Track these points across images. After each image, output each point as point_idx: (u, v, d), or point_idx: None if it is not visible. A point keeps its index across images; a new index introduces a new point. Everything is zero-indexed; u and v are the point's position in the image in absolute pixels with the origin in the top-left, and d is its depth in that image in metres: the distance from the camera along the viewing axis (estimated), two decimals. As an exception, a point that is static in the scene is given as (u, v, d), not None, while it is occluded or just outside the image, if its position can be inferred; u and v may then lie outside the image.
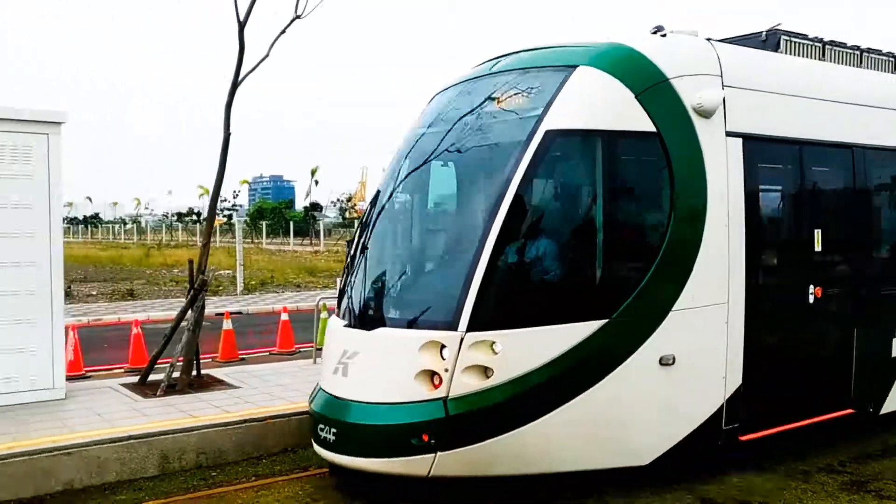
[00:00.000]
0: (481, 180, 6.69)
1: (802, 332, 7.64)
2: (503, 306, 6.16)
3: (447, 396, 5.95)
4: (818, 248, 7.69)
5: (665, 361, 6.47)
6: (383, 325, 6.43)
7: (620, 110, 6.53)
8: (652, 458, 6.60)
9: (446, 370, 5.94)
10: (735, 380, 6.95)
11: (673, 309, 6.52)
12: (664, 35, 7.04)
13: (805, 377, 7.62)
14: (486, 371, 5.98)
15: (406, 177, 7.27)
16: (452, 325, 5.98)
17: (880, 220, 8.48)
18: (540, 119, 6.33)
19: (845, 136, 7.94)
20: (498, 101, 6.87)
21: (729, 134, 6.98)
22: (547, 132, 6.26)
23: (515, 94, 6.80)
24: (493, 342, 5.99)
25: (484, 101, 6.97)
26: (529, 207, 6.30)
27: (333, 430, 6.28)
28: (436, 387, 5.99)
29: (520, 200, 6.16)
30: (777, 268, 7.73)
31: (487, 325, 6.02)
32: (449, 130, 6.96)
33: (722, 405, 6.88)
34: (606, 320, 6.25)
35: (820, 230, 7.72)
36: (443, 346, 5.98)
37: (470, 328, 5.95)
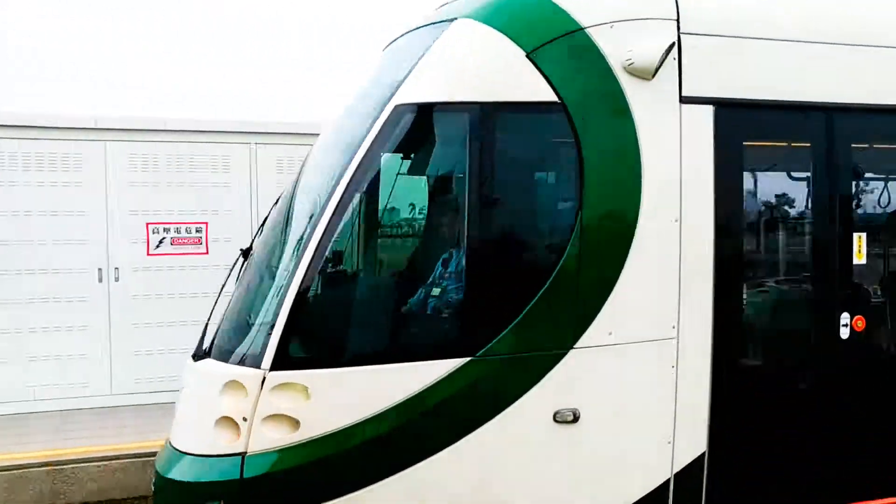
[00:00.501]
0: (317, 179, 5.19)
1: (825, 380, 5.29)
2: (321, 339, 4.70)
3: (245, 452, 4.62)
4: (858, 259, 5.35)
5: (562, 418, 4.65)
6: (209, 355, 5.19)
7: (503, 75, 4.74)
8: None
9: (244, 419, 4.62)
10: (693, 446, 4.91)
11: (576, 346, 4.68)
12: None
13: (829, 446, 5.26)
14: (295, 422, 4.59)
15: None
16: (257, 362, 4.64)
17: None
18: (393, 93, 4.80)
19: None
20: (372, 73, 5.42)
21: (687, 100, 4.91)
22: (395, 108, 4.68)
23: (389, 62, 5.31)
24: (306, 386, 4.57)
25: (367, 77, 5.53)
26: (364, 209, 4.75)
27: (153, 482, 5.18)
28: (238, 438, 4.69)
29: (350, 201, 4.65)
30: (781, 287, 5.41)
31: (299, 364, 4.59)
32: (333, 122, 5.59)
33: (667, 482, 4.87)
34: (468, 359, 4.56)
35: (863, 233, 5.35)
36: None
37: (274, 366, 4.53)
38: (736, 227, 5.08)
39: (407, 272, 4.97)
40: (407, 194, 4.91)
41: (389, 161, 4.73)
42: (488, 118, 4.68)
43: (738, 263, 5.13)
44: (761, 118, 5.19)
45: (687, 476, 4.87)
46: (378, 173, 4.67)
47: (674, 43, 4.85)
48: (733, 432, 4.99)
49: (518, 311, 4.62)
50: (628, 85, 4.78)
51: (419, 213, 5.04)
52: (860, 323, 5.21)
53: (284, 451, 4.53)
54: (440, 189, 5.00)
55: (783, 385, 5.23)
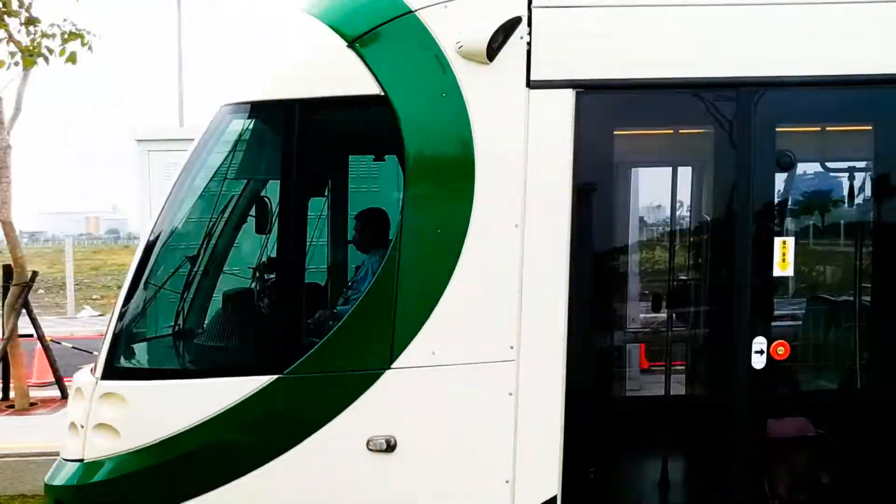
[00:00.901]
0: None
1: (729, 416, 4.26)
2: (140, 351, 4.63)
3: (83, 459, 4.66)
4: (781, 269, 4.25)
5: (376, 446, 4.18)
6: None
7: (323, 68, 4.38)
8: None
9: (82, 426, 4.66)
10: (540, 487, 4.19)
11: (393, 366, 4.19)
12: None
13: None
14: (116, 432, 4.55)
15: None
16: (98, 371, 4.66)
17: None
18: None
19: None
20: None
21: (538, 84, 4.20)
22: (220, 108, 4.49)
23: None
24: (124, 396, 4.52)
25: None
26: (185, 218, 4.57)
27: None
28: (80, 445, 4.73)
29: (173, 209, 4.53)
30: (655, 300, 4.48)
31: (122, 374, 4.56)
32: None
33: None
34: (276, 377, 4.26)
35: (790, 240, 4.23)
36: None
37: (104, 375, 4.56)
38: (600, 233, 4.28)
39: (224, 281, 4.75)
40: (225, 203, 4.67)
41: (213, 165, 4.53)
42: (305, 116, 4.32)
43: (603, 275, 4.32)
44: (642, 101, 4.31)
45: None
46: (199, 178, 4.49)
47: (518, 18, 4.19)
48: (595, 473, 4.22)
49: (329, 327, 4.25)
50: (463, 72, 4.19)
51: (238, 223, 4.77)
52: (781, 349, 4.17)
53: (110, 460, 4.50)
54: (253, 198, 4.70)
55: (659, 422, 4.34)
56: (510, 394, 4.15)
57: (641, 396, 4.58)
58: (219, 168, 4.49)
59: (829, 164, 4.46)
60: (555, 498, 4.18)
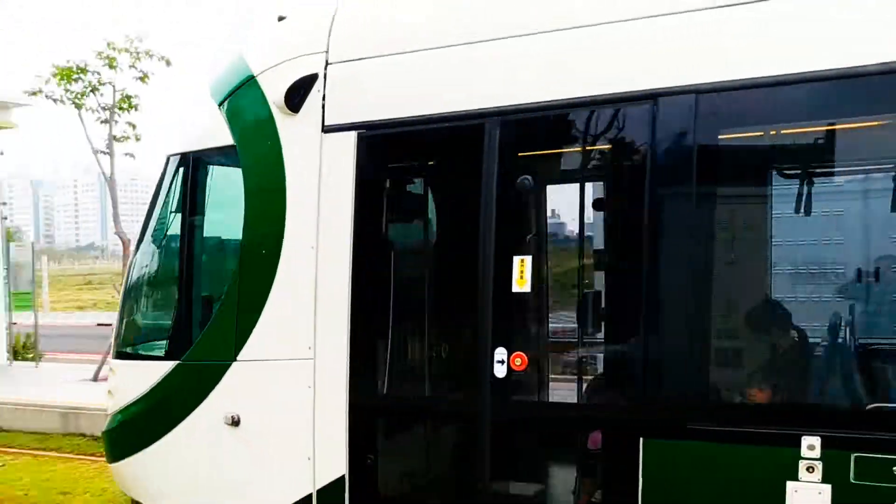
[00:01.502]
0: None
1: (483, 420, 4.57)
2: (120, 335, 6.32)
3: (108, 414, 6.55)
4: (519, 286, 4.45)
5: (230, 421, 5.35)
6: None
7: (205, 126, 5.65)
8: None
9: (110, 391, 6.56)
10: (332, 467, 4.99)
11: (238, 359, 5.31)
12: (282, 19, 5.50)
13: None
14: (112, 395, 6.34)
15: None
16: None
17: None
18: None
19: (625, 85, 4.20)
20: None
21: (329, 129, 5.00)
22: (166, 157, 6.04)
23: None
24: (113, 369, 6.32)
25: None
26: (144, 239, 6.17)
27: None
28: (112, 403, 6.67)
29: (142, 232, 6.20)
30: (413, 314, 5.02)
31: (116, 354, 6.36)
32: None
33: (310, 496, 5.08)
34: (177, 362, 5.68)
35: (528, 258, 4.44)
36: None
37: (115, 355, 6.43)
38: (376, 253, 4.93)
39: (153, 288, 6.24)
40: (164, 232, 6.17)
41: (159, 202, 6.10)
42: (195, 163, 5.69)
43: (379, 289, 4.95)
44: (410, 138, 4.87)
45: (329, 493, 5.03)
46: (154, 209, 6.10)
47: (315, 75, 5.07)
48: (373, 459, 4.93)
49: (204, 325, 5.57)
50: (281, 122, 5.18)
51: (162, 238, 6.21)
52: (519, 360, 4.47)
53: (112, 416, 6.35)
54: (169, 225, 6.08)
55: (426, 418, 4.83)
56: (309, 386, 5.04)
57: (406, 396, 5.10)
58: (163, 203, 6.04)
59: (565, 186, 4.53)
60: (343, 477, 4.98)
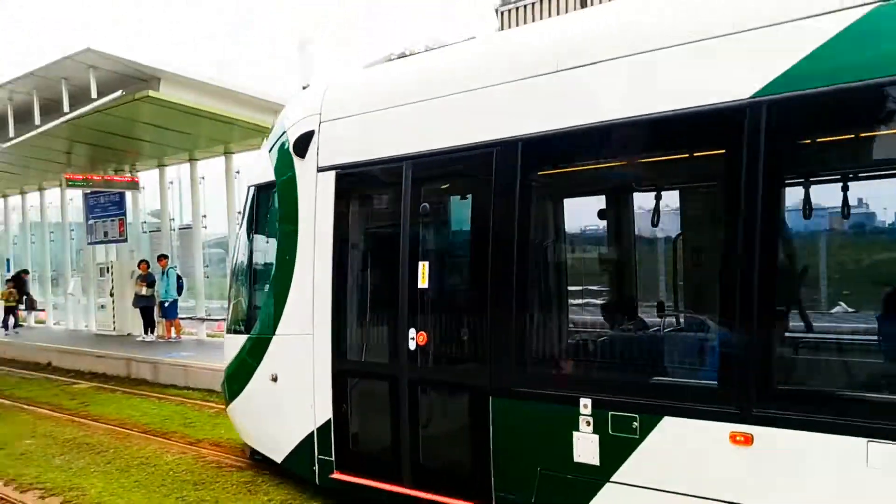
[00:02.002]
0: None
1: (401, 381, 6.57)
2: (227, 317, 8.87)
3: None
4: (422, 283, 6.25)
5: (272, 378, 7.70)
6: None
7: (262, 166, 7.97)
8: (281, 458, 7.84)
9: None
10: (324, 412, 7.10)
11: (276, 333, 7.49)
12: (305, 88, 7.59)
13: (413, 440, 6.59)
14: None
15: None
16: (226, 327, 9.15)
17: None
18: None
19: (495, 131, 6.01)
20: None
21: (321, 169, 7.22)
22: (247, 187, 8.60)
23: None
24: (224, 340, 8.85)
25: None
26: (237, 249, 8.63)
27: None
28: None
29: (237, 244, 8.67)
30: (367, 304, 7.07)
31: (226, 330, 8.85)
32: None
33: (312, 432, 7.21)
34: (248, 335, 8.02)
35: (426, 263, 6.46)
36: None
37: (225, 330, 8.96)
38: (346, 261, 7.12)
39: (240, 287, 8.60)
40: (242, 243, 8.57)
41: (243, 221, 8.51)
42: (257, 194, 8.04)
43: (348, 288, 7.07)
44: (366, 175, 7.07)
45: (322, 431, 7.06)
46: (239, 229, 8.59)
47: (312, 131, 7.21)
48: (349, 407, 6.90)
49: (257, 312, 7.86)
50: (296, 165, 7.36)
51: (243, 248, 8.60)
52: (422, 337, 6.22)
53: (224, 372, 8.84)
54: (246, 238, 8.40)
55: (375, 378, 6.86)
56: (310, 354, 7.09)
57: (363, 361, 6.93)
58: (243, 222, 8.45)
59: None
60: (329, 419, 6.99)
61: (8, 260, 30.11)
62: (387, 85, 7.04)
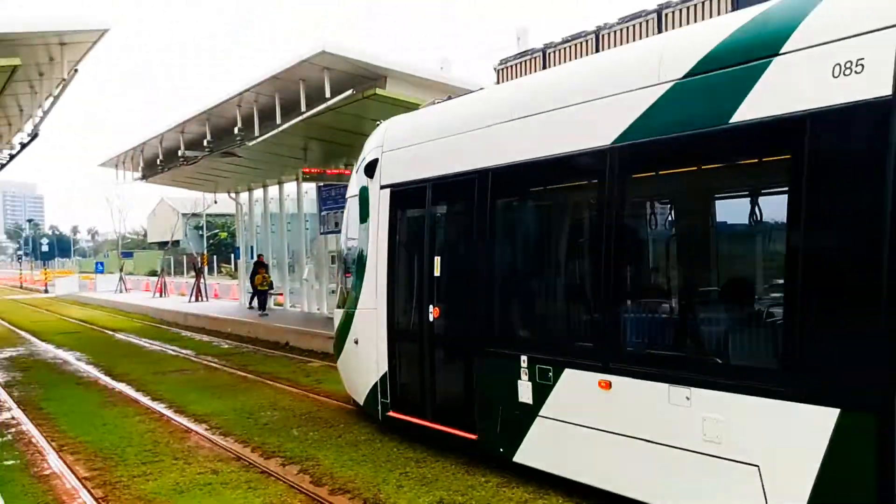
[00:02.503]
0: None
1: (425, 345, 9.57)
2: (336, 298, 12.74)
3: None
4: (437, 272, 9.35)
5: (355, 341, 10.84)
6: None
7: (352, 183, 11.54)
8: (361, 401, 11.04)
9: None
10: (383, 367, 10.15)
11: (357, 308, 10.74)
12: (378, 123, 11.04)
13: (432, 386, 9.53)
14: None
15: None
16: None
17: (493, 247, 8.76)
18: None
19: (474, 164, 8.73)
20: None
21: (382, 187, 10.26)
22: (347, 198, 12.09)
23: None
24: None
25: None
26: (341, 245, 12.91)
27: None
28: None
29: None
30: (406, 286, 9.99)
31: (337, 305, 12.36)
32: None
33: (377, 382, 10.29)
34: (341, 310, 11.55)
35: (440, 257, 9.36)
36: None
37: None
38: (396, 256, 10.05)
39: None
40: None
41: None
42: (350, 202, 11.49)
43: (395, 275, 10.04)
44: (409, 194, 9.88)
45: (383, 380, 10.19)
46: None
47: (376, 160, 10.43)
48: (397, 362, 10.04)
49: (348, 292, 11.25)
50: (370, 184, 10.55)
51: (345, 248, 12.16)
52: (435, 312, 9.39)
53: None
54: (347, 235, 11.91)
55: (410, 340, 9.81)
56: (375, 323, 10.17)
57: (404, 328, 9.96)
58: (343, 223, 12.24)
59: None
60: (386, 372, 10.06)
61: (237, 248, 33.02)
62: (419, 126, 10.11)
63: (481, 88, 10.46)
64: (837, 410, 5.29)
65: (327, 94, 16.07)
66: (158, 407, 12.90)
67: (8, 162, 21.87)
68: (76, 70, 14.98)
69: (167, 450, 9.99)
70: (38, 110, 17.37)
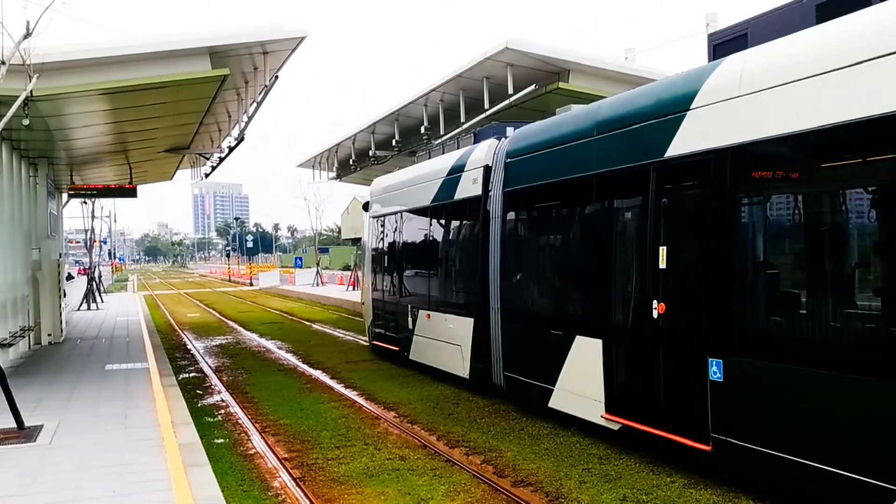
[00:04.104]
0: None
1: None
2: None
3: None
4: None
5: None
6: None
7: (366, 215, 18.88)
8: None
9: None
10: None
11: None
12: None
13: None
14: None
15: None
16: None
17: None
18: None
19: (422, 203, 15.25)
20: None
21: (372, 217, 18.38)
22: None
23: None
24: None
25: None
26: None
27: None
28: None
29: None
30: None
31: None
32: None
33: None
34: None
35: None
36: None
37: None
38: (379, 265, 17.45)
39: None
40: None
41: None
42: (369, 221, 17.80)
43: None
44: (385, 220, 17.46)
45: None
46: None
47: (368, 202, 18.94)
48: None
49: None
50: (366, 214, 18.91)
51: None
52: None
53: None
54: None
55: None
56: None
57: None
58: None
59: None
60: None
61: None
62: (387, 184, 17.74)
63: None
64: None
65: (510, 91, 16.20)
66: (351, 394, 13.56)
67: (218, 164, 23.66)
68: (277, 76, 16.01)
69: (358, 435, 10.48)
70: (243, 116, 18.70)
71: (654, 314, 8.31)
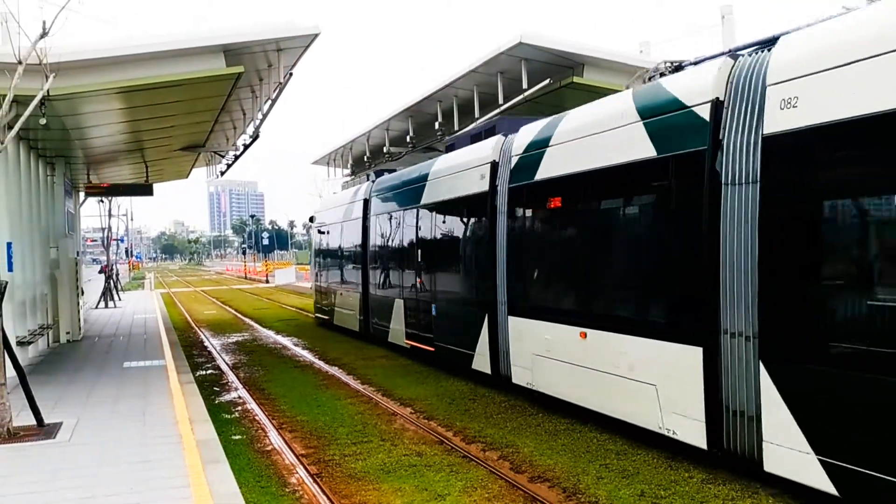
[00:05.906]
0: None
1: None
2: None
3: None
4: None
5: None
6: None
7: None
8: None
9: None
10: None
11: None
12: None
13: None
14: None
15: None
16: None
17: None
18: None
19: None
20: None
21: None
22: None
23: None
24: None
25: None
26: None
27: None
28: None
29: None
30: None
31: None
32: None
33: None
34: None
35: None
36: None
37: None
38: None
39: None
40: None
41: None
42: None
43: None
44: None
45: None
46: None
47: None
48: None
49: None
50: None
51: None
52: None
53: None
54: None
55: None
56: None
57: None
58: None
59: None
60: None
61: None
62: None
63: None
64: None
65: (524, 86, 16.15)
66: (367, 390, 13.58)
67: (233, 162, 23.73)
68: (291, 74, 16.03)
69: (375, 431, 10.49)
70: (258, 113, 18.75)
71: None
